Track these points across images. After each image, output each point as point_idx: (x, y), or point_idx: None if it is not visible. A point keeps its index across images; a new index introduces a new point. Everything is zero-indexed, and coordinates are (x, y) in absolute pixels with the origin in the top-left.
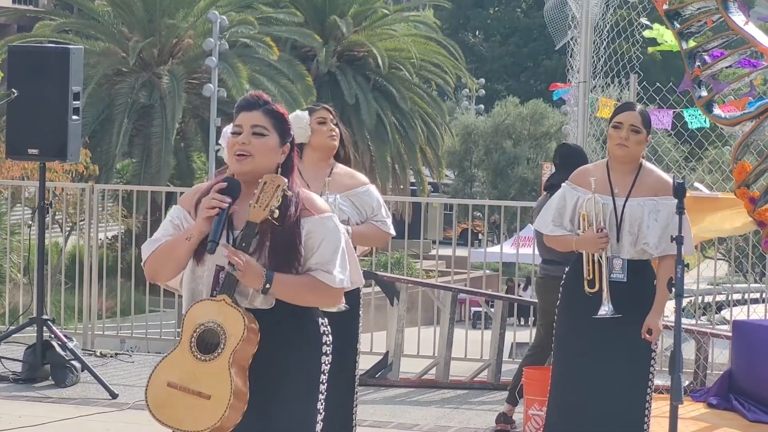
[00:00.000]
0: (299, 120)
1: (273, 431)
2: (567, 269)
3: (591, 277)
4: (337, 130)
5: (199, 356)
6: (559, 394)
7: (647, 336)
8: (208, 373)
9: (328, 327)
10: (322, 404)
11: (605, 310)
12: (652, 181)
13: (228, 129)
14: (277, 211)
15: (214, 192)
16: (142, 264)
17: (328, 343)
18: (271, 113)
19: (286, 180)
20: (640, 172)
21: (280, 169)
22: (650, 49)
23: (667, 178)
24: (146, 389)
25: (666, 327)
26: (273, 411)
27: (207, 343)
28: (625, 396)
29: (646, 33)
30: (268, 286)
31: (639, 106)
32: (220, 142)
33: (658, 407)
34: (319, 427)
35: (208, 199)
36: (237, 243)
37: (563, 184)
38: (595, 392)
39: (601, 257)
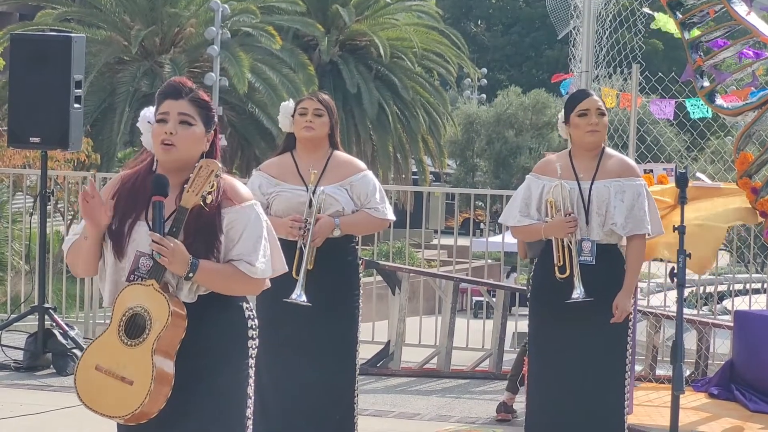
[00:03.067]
0: (285, 110)
1: (200, 418)
2: (535, 261)
3: (561, 263)
4: (319, 121)
5: (125, 341)
6: (537, 385)
7: (615, 312)
8: (132, 358)
9: (254, 311)
10: (251, 388)
11: (577, 293)
12: (615, 163)
13: (146, 113)
14: (210, 197)
15: (141, 184)
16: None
17: (254, 327)
18: (197, 102)
19: (220, 165)
20: (602, 156)
21: (204, 156)
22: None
23: (629, 160)
24: (75, 370)
25: (668, 317)
26: (200, 397)
27: (137, 326)
28: (603, 381)
29: (654, 24)
30: (191, 274)
31: (592, 91)
32: (138, 125)
33: (660, 397)
34: (249, 411)
35: (115, 185)
36: (168, 229)
37: (527, 176)
38: (572, 380)
39: (570, 242)
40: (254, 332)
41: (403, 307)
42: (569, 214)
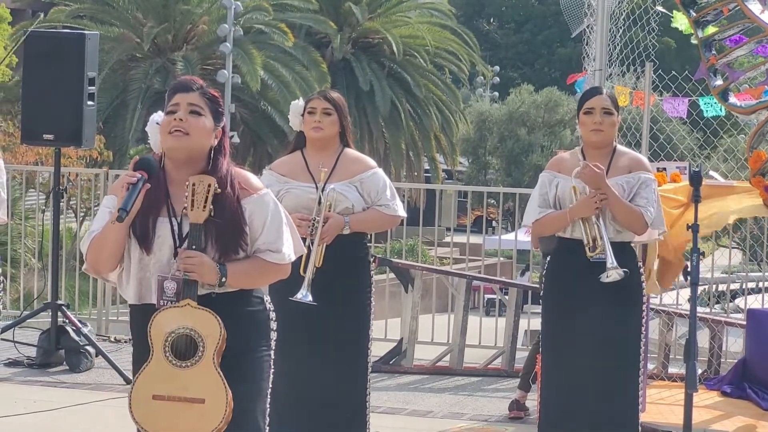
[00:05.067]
0: (295, 108)
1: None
2: (547, 259)
3: (590, 243)
4: (327, 120)
5: (179, 364)
6: (550, 383)
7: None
8: (193, 378)
9: (271, 303)
10: (271, 379)
11: (611, 263)
12: (626, 160)
13: (155, 117)
14: (212, 208)
15: (129, 170)
16: (84, 258)
17: (273, 318)
18: (206, 96)
19: (214, 179)
20: (614, 154)
21: (212, 153)
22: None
23: (641, 156)
24: (131, 409)
25: (680, 315)
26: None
27: (179, 349)
28: (616, 379)
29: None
30: (224, 279)
31: (605, 89)
32: (147, 129)
33: (672, 395)
34: (269, 402)
35: (123, 178)
36: (188, 246)
37: (542, 174)
38: (585, 378)
39: (598, 218)
40: (274, 323)
41: (415, 305)
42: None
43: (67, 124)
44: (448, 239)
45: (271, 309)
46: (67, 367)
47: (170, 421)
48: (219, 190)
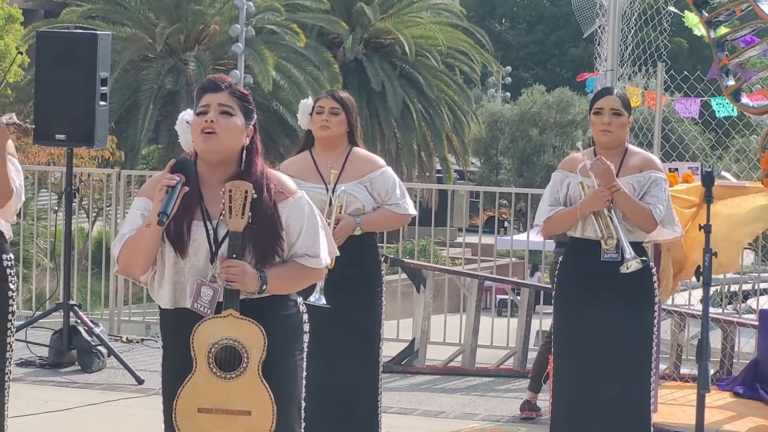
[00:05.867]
0: (304, 108)
1: None
2: (559, 260)
3: (604, 236)
4: (335, 119)
5: (223, 375)
6: (562, 383)
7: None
8: (238, 390)
9: (304, 305)
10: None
11: (629, 253)
12: (637, 160)
13: (184, 116)
14: (250, 214)
15: (165, 172)
16: (116, 261)
17: (306, 321)
18: (237, 95)
19: (251, 185)
20: (626, 155)
21: (244, 152)
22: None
23: (653, 156)
24: (176, 423)
25: (692, 316)
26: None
27: (221, 360)
28: (628, 379)
29: (685, 22)
30: (264, 287)
31: (617, 90)
32: (176, 128)
33: (684, 395)
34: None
35: (159, 180)
36: (228, 254)
37: (554, 173)
38: (597, 378)
39: (610, 211)
40: (307, 326)
41: (427, 305)
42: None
43: (79, 125)
44: (460, 239)
45: (304, 311)
46: (79, 368)
47: None
48: (256, 196)
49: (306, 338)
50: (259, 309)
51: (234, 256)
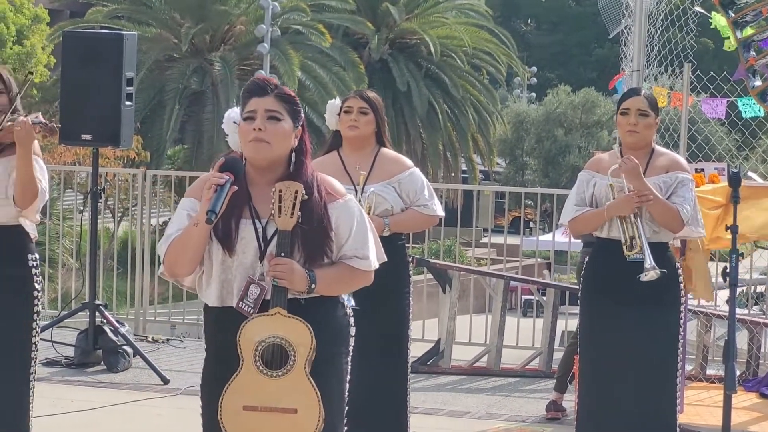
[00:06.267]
0: (331, 108)
1: None
2: (585, 260)
3: (628, 241)
4: (364, 119)
5: (270, 373)
6: (588, 383)
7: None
8: (284, 387)
9: (351, 309)
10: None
11: (648, 262)
12: (664, 160)
13: (231, 113)
14: (299, 214)
15: (214, 171)
16: (162, 261)
17: (353, 323)
18: (283, 97)
19: (301, 185)
20: (652, 155)
21: (294, 154)
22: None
23: (679, 157)
24: (221, 420)
25: (718, 317)
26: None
27: (267, 358)
28: (655, 379)
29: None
30: (313, 286)
31: (644, 90)
32: (223, 126)
33: (710, 396)
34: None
35: (207, 180)
36: (277, 252)
37: (580, 173)
38: (623, 378)
39: (636, 217)
40: (353, 328)
41: (453, 305)
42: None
43: (105, 125)
44: (485, 240)
45: (351, 314)
46: (105, 367)
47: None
48: (306, 197)
49: (351, 341)
50: (308, 309)
51: (282, 254)
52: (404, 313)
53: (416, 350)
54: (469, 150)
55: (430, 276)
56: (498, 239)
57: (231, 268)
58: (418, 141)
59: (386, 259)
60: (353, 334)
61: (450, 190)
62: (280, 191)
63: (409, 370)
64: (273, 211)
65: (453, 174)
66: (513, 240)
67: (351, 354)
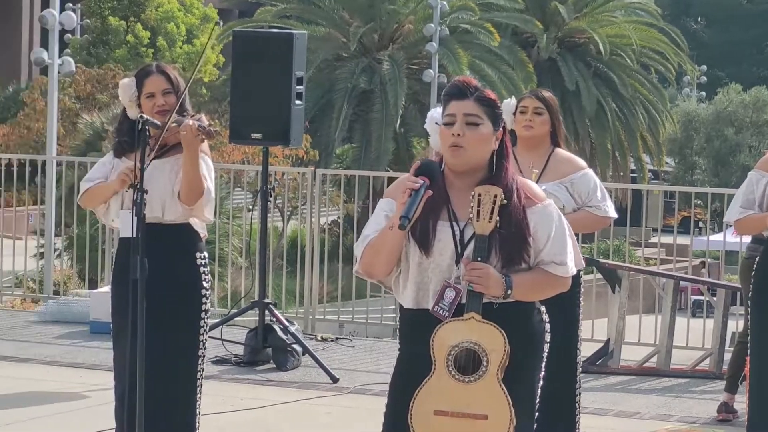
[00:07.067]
0: (507, 107)
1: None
2: (753, 257)
3: None
4: (539, 119)
5: (462, 379)
6: (760, 384)
7: None
8: (475, 393)
9: (546, 315)
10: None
11: None
12: None
13: (433, 113)
14: (498, 219)
15: (410, 175)
16: (357, 261)
17: (548, 330)
18: (483, 101)
19: (500, 189)
20: None
21: (495, 157)
22: None
23: None
24: (411, 424)
25: None
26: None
27: (460, 363)
28: None
29: None
30: (509, 292)
31: None
32: (426, 126)
33: None
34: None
35: (403, 183)
36: (473, 258)
37: (750, 172)
38: None
39: None
40: (548, 335)
41: (622, 305)
42: None
43: (274, 124)
44: (654, 239)
45: (547, 320)
46: (274, 366)
47: None
48: (505, 201)
49: (546, 348)
50: (503, 314)
51: (479, 259)
52: (575, 312)
53: (586, 350)
54: (638, 149)
55: (599, 276)
56: (667, 239)
57: (427, 270)
58: (586, 140)
59: (584, 266)
60: (548, 340)
61: (619, 189)
62: (479, 195)
63: (579, 370)
64: (471, 215)
65: (622, 173)
66: (682, 240)
67: (545, 360)
